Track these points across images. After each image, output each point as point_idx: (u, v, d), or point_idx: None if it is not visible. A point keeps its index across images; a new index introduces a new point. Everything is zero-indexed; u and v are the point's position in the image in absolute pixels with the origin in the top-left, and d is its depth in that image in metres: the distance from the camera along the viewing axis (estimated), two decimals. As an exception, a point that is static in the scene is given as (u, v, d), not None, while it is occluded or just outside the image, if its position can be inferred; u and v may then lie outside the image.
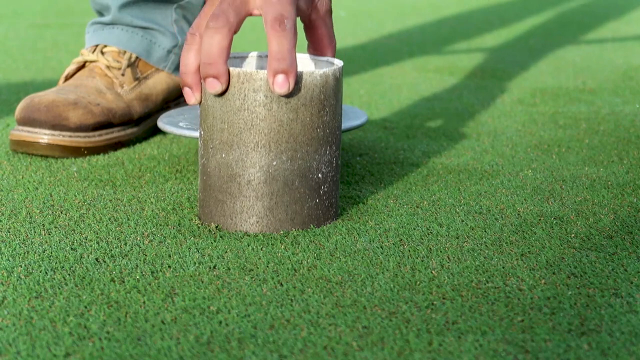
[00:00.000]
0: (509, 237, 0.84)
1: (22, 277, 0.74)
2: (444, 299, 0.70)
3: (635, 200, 0.94)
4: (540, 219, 0.88)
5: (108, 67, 1.18)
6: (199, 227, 0.85)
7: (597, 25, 2.49)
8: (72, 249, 0.80)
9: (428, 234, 0.84)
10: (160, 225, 0.86)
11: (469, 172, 1.04)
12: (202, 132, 0.85)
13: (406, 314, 0.67)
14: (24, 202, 0.93)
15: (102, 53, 1.20)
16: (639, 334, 0.64)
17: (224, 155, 0.83)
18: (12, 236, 0.83)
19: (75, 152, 1.10)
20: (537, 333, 0.64)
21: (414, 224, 0.87)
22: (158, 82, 1.22)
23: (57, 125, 1.09)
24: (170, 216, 0.89)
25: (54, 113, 1.09)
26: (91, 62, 1.19)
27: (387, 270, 0.76)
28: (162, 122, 1.04)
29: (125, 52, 1.20)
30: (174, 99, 1.26)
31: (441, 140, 1.20)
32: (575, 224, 0.87)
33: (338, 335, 0.64)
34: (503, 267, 0.76)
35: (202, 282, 0.73)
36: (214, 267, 0.76)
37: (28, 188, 0.97)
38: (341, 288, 0.72)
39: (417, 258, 0.78)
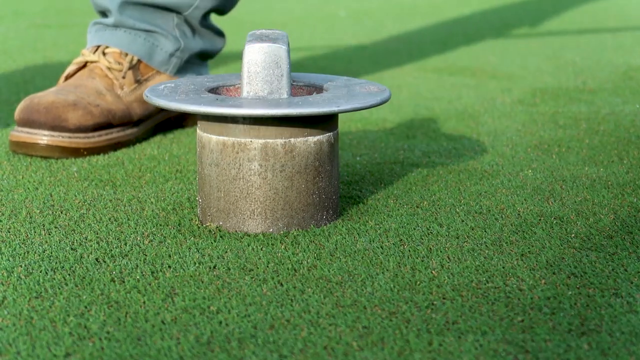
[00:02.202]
0: (509, 237, 0.84)
1: (22, 277, 0.74)
2: (444, 299, 0.70)
3: (635, 200, 0.94)
4: (540, 219, 0.88)
5: (109, 68, 1.18)
6: (199, 227, 0.85)
7: (597, 25, 2.49)
8: (72, 249, 0.80)
9: (428, 234, 0.84)
10: (160, 225, 0.86)
11: (469, 172, 1.04)
12: (199, 200, 0.87)
13: (406, 314, 0.67)
14: (24, 202, 0.93)
15: (104, 54, 1.20)
16: (639, 334, 0.64)
17: (221, 223, 0.84)
18: (12, 236, 0.83)
19: (75, 153, 1.10)
20: (537, 333, 0.64)
21: (414, 224, 0.87)
22: (158, 84, 1.22)
23: (56, 127, 1.09)
24: (170, 216, 0.89)
25: (54, 114, 1.09)
26: (92, 62, 1.19)
27: (387, 270, 0.76)
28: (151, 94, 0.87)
29: (127, 54, 1.20)
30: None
31: (441, 140, 1.20)
32: (575, 224, 0.87)
33: (338, 335, 0.64)
34: (503, 267, 0.76)
35: (202, 282, 0.73)
36: (214, 267, 0.76)
37: (28, 188, 0.97)
38: (341, 288, 0.72)
39: (417, 258, 0.78)
